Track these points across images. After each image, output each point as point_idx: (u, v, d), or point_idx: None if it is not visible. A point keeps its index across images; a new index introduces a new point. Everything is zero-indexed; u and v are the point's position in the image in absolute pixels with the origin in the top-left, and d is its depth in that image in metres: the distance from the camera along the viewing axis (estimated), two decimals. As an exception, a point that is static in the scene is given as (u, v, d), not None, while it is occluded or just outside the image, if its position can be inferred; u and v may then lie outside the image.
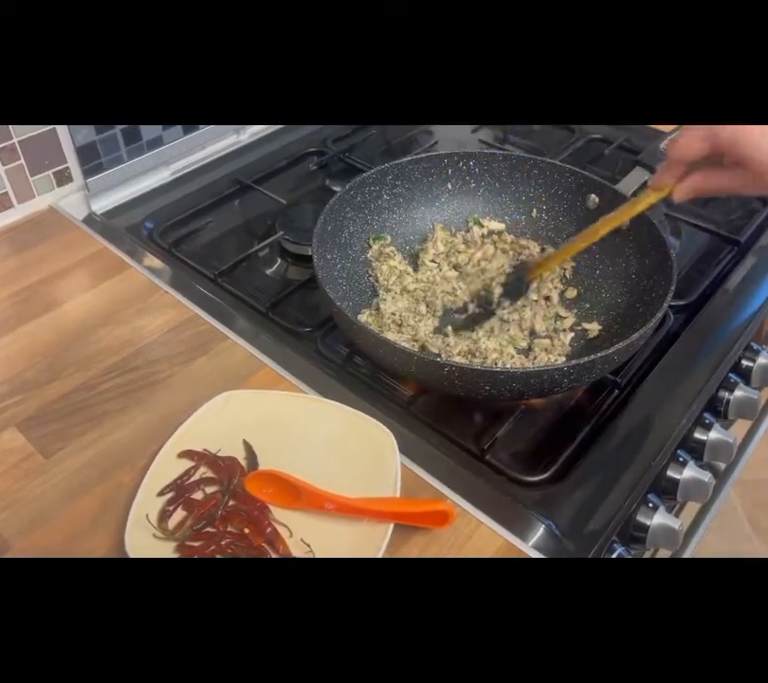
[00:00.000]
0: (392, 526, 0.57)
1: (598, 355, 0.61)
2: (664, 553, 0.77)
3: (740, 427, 0.88)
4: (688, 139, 0.59)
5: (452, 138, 1.09)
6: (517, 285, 0.77)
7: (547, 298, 0.80)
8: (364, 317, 0.76)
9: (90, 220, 0.92)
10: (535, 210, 0.85)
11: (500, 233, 0.85)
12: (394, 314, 0.76)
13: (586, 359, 0.60)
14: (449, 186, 0.86)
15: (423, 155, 0.84)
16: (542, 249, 0.83)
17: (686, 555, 0.73)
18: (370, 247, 0.82)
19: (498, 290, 0.77)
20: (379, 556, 0.55)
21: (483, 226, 0.85)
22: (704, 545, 0.80)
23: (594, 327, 0.76)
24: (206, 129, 1.03)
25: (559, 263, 0.78)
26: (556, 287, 0.80)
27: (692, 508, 0.83)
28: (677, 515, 0.73)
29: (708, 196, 0.63)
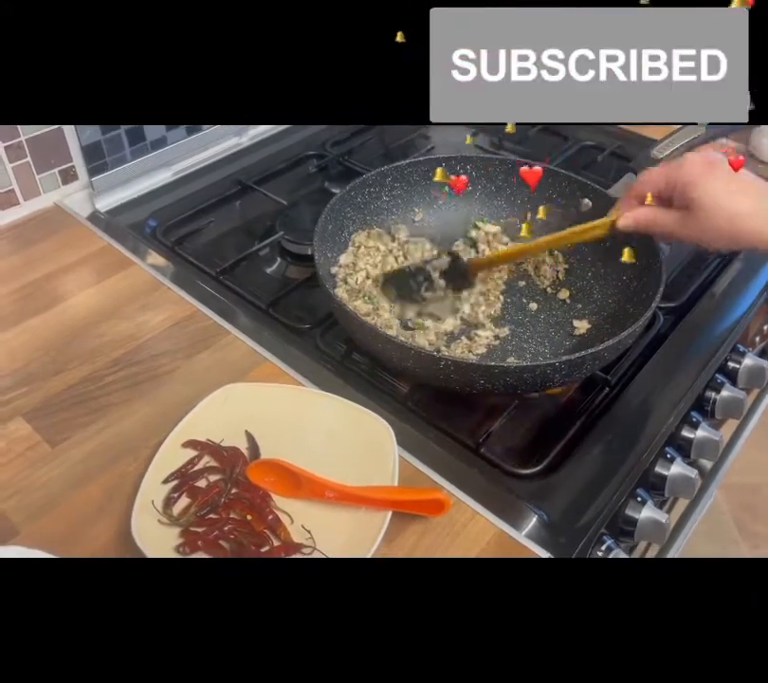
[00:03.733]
0: (390, 513, 0.59)
1: (588, 351, 0.63)
2: (653, 549, 0.79)
3: (730, 428, 0.90)
4: (652, 173, 0.59)
5: (448, 142, 1.11)
6: (459, 273, 0.77)
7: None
8: (340, 291, 0.77)
9: (94, 218, 0.94)
10: (530, 213, 0.87)
11: (495, 235, 0.87)
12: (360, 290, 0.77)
13: (576, 355, 0.62)
14: (446, 188, 0.88)
15: (421, 158, 0.87)
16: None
17: (673, 551, 0.75)
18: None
19: (436, 274, 0.78)
20: (378, 542, 0.57)
21: (479, 228, 0.87)
22: (692, 549, 0.81)
23: (584, 326, 0.78)
24: (208, 131, 1.04)
25: (497, 265, 0.80)
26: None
27: (681, 508, 0.85)
28: (668, 513, 0.75)
29: (649, 234, 0.64)
